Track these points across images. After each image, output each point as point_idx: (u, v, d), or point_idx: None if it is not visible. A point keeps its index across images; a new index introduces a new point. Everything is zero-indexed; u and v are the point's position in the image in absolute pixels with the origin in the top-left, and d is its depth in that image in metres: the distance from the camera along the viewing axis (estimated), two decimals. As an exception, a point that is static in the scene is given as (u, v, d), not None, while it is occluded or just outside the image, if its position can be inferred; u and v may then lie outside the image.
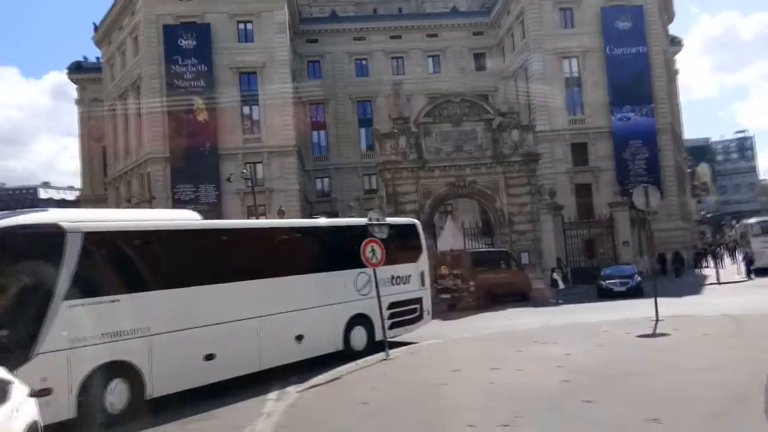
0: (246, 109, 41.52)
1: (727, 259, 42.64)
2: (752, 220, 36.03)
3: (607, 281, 24.36)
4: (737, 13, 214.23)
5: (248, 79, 41.56)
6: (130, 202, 38.69)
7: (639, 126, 42.51)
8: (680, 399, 7.31)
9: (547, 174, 42.39)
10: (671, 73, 50.54)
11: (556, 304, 22.77)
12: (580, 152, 43.13)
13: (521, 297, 24.06)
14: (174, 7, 40.61)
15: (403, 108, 30.27)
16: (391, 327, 12.80)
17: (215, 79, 40.16)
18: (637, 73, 42.65)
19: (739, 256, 35.86)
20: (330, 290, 12.08)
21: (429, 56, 51.52)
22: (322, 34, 50.55)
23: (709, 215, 76.14)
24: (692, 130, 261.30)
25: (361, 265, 11.88)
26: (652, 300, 22.50)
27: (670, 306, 20.03)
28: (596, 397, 7.58)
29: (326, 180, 49.76)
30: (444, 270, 22.94)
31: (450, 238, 29.95)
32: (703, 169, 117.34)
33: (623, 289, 23.67)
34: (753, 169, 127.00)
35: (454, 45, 51.08)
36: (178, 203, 38.61)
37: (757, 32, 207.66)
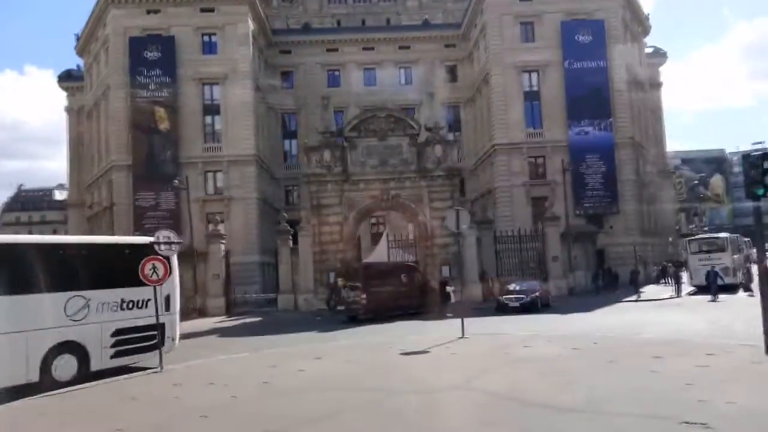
0: (208, 119, 42.98)
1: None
2: (692, 238, 35.79)
3: (504, 296, 24.81)
4: None
5: (211, 89, 43.05)
6: (91, 209, 40.44)
7: (597, 140, 42.50)
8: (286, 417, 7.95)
9: (503, 187, 42.95)
10: (642, 86, 50.14)
11: (445, 317, 23.29)
12: (536, 165, 43.36)
13: (418, 310, 24.54)
14: (141, 20, 42.36)
15: (329, 122, 31.13)
16: (117, 355, 12.30)
17: (178, 89, 41.72)
18: (597, 87, 42.69)
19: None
20: (20, 315, 11.00)
21: (401, 68, 52.32)
22: (295, 45, 51.82)
23: (706, 228, 74.64)
24: (723, 139, 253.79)
25: (78, 288, 11.65)
26: (540, 315, 23.24)
27: (535, 322, 20.52)
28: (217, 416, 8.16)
29: (296, 188, 50.87)
30: (341, 282, 23.65)
31: (383, 251, 30.77)
32: (717, 181, 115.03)
33: (517, 304, 24.10)
34: None
35: (426, 57, 51.76)
36: (138, 210, 40.39)
37: None
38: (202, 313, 30.39)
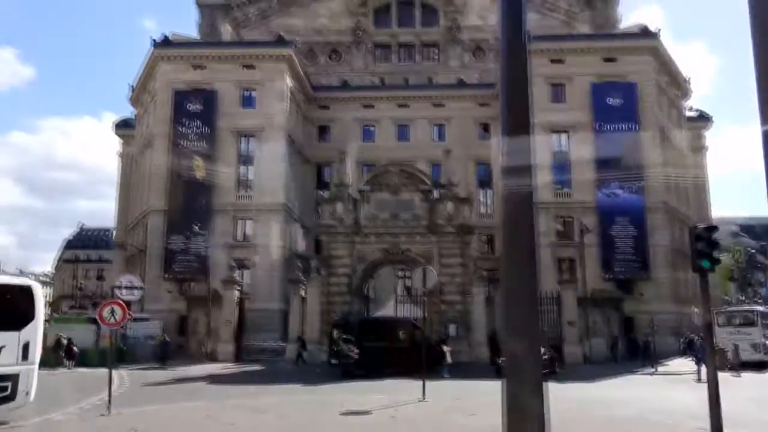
0: (242, 169, 44.89)
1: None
2: (720, 310, 33.69)
3: (504, 360, 23.97)
4: None
5: (247, 141, 45.16)
6: (127, 250, 42.46)
7: (627, 203, 41.46)
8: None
9: (528, 246, 42.15)
10: (680, 151, 48.81)
11: (442, 378, 22.78)
12: (564, 226, 42.50)
13: (414, 369, 24.03)
14: (187, 74, 45.35)
15: (343, 175, 31.91)
16: None
17: (216, 140, 43.98)
18: (628, 149, 41.95)
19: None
20: None
21: (434, 125, 53.30)
22: (333, 101, 53.90)
23: (760, 300, 69.86)
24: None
25: None
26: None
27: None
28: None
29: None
30: (336, 335, 23.66)
31: (391, 305, 30.68)
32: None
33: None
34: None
35: (460, 115, 52.57)
36: (169, 253, 42.08)
37: None
38: (212, 357, 30.88)
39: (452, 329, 28.44)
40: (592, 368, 26.95)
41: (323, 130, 53.66)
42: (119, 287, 13.22)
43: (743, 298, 62.15)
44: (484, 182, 51.00)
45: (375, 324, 25.08)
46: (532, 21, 55.67)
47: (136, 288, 13.51)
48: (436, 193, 31.07)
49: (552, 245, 41.93)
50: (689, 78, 52.23)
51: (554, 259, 41.47)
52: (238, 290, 33.32)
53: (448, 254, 29.83)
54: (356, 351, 22.81)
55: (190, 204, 42.79)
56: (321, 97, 53.81)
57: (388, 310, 29.58)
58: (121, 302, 12.95)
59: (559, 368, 26.01)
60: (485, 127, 52.88)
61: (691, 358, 31.85)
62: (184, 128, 44.03)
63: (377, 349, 23.31)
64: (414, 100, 53.38)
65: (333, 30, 60.34)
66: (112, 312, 12.65)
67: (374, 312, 31.04)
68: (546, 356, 24.34)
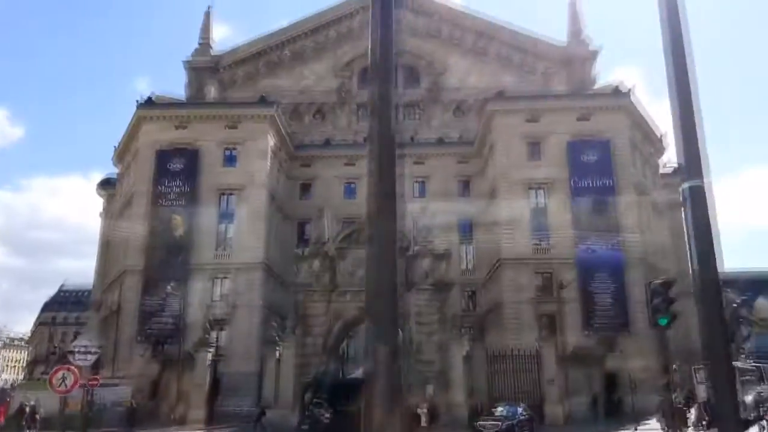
0: (222, 227, 44.78)
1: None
2: (698, 366, 33.21)
3: (479, 422, 23.39)
4: None
5: (227, 198, 45.27)
6: (100, 311, 41.57)
7: (605, 258, 41.63)
8: None
9: (510, 302, 41.98)
10: (656, 205, 49.60)
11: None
12: (543, 281, 42.44)
13: None
14: (170, 134, 45.92)
15: (321, 232, 31.88)
16: None
17: (197, 198, 44.05)
18: (604, 205, 42.62)
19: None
20: None
21: (415, 181, 53.90)
22: (316, 159, 54.60)
23: (743, 355, 69.26)
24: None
25: None
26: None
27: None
28: None
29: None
30: (307, 398, 22.99)
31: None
32: (762, 304, 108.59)
33: (493, 431, 22.62)
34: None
35: (440, 172, 53.36)
36: (144, 314, 41.25)
37: None
38: (181, 423, 29.72)
39: (429, 389, 27.73)
40: (573, 428, 26.25)
41: (305, 188, 54.06)
42: (72, 352, 12.83)
43: (743, 353, 61.45)
44: (465, 238, 51.18)
45: (348, 386, 24.40)
46: (510, 83, 57.78)
47: (90, 352, 13.10)
48: (413, 249, 31.03)
49: (532, 301, 41.73)
50: (663, 134, 53.70)
51: (535, 315, 41.12)
52: (211, 352, 32.44)
53: (425, 311, 29.53)
54: (327, 415, 22.08)
55: (168, 263, 42.34)
56: (304, 155, 54.54)
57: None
58: (73, 367, 12.53)
59: (537, 429, 25.40)
60: (465, 184, 53.66)
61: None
62: (164, 187, 44.16)
63: (350, 413, 22.53)
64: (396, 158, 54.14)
65: (318, 91, 61.90)
66: (63, 378, 12.23)
67: (351, 373, 30.26)
68: (524, 416, 23.83)
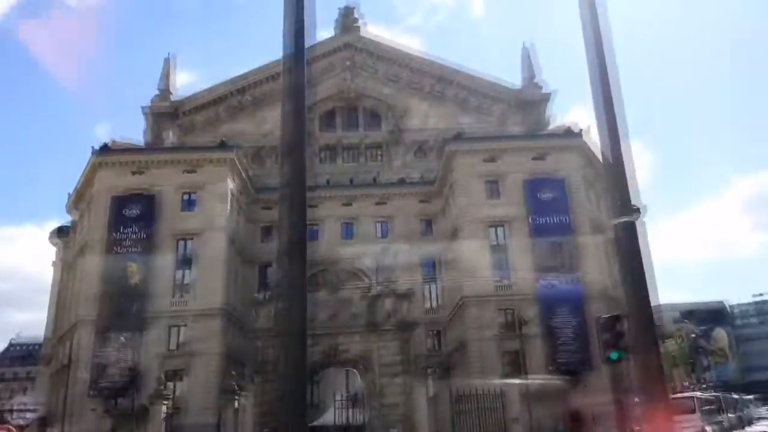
0: (179, 273, 43.66)
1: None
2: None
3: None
4: None
5: (185, 243, 44.36)
6: (49, 366, 39.60)
7: (566, 293, 42.14)
8: None
9: (473, 340, 41.84)
10: (612, 240, 50.80)
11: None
12: (506, 318, 42.56)
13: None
14: (126, 180, 45.11)
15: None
16: None
17: (154, 244, 43.02)
18: (562, 241, 43.45)
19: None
20: None
21: (378, 222, 54.09)
22: (276, 202, 54.27)
23: (704, 385, 70.43)
24: (729, 291, 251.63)
25: None
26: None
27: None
28: None
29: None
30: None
31: (331, 412, 29.18)
32: (720, 334, 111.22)
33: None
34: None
35: (403, 212, 53.73)
36: (97, 367, 39.44)
37: None
38: (134, 481, 28.11)
39: (394, 434, 27.11)
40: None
41: (267, 231, 53.49)
42: (11, 410, 12.06)
43: (688, 384, 62.59)
44: (429, 277, 51.22)
45: (308, 433, 23.60)
46: (468, 124, 59.39)
47: (30, 410, 12.34)
48: (375, 290, 30.83)
49: (495, 338, 41.67)
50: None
51: (499, 353, 41.00)
52: (167, 404, 31.10)
53: (388, 353, 29.15)
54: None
55: (122, 312, 40.88)
56: (265, 199, 54.18)
57: (329, 417, 28.06)
58: (11, 427, 11.79)
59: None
60: (428, 223, 54.11)
61: None
62: (119, 234, 43.09)
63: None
64: (358, 198, 54.49)
65: (278, 134, 62.10)
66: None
67: (315, 420, 29.37)
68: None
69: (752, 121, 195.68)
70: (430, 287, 51.23)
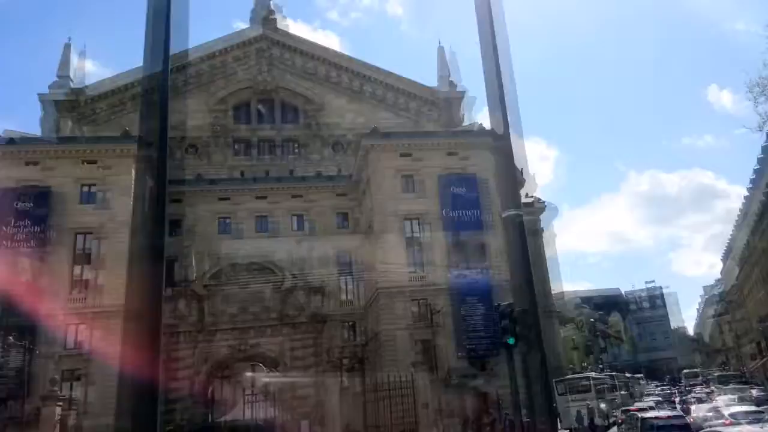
0: (77, 269, 41.10)
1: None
2: (559, 379, 35.96)
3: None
4: (659, 171, 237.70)
5: (84, 239, 41.78)
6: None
7: (475, 283, 43.73)
8: None
9: (388, 330, 42.48)
10: (520, 233, 53.36)
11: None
12: (420, 309, 43.59)
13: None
14: (19, 172, 41.79)
15: (188, 271, 30.47)
16: None
17: (49, 239, 40.20)
18: (473, 234, 45.05)
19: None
20: None
21: (294, 216, 53.51)
22: (187, 195, 52.29)
23: (601, 366, 75.73)
24: (629, 279, 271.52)
25: None
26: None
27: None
28: None
29: (178, 340, 48.11)
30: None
31: (240, 407, 28.59)
32: (615, 319, 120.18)
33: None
34: (665, 318, 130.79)
35: (319, 206, 53.48)
36: (-17, 369, 36.33)
37: (680, 187, 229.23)
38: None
39: (304, 426, 27.05)
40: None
41: (175, 224, 51.41)
42: None
43: (586, 365, 67.05)
44: (345, 270, 51.38)
45: (217, 429, 23.11)
46: (385, 120, 60.00)
47: None
48: (288, 284, 30.54)
49: (408, 328, 42.53)
50: (522, 169, 58.34)
51: (412, 342, 41.89)
52: (60, 406, 29.23)
53: (300, 346, 29.03)
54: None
55: (11, 312, 37.84)
56: (174, 191, 52.02)
57: (237, 413, 27.53)
58: None
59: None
60: (344, 217, 54.24)
61: None
62: (10, 228, 39.84)
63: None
64: (273, 192, 53.60)
65: (191, 126, 59.91)
66: None
67: (222, 416, 28.71)
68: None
69: (647, 122, 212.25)
70: (345, 280, 51.40)
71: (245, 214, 52.23)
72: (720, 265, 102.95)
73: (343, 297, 50.33)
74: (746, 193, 68.52)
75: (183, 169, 56.89)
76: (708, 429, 14.58)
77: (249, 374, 33.01)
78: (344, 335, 49.20)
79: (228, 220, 51.83)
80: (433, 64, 67.23)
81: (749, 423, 14.96)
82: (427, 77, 67.40)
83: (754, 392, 39.68)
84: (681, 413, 23.14)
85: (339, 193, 54.72)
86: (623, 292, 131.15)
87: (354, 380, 30.85)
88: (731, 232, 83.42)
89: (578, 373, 44.71)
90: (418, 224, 46.44)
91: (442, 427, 30.44)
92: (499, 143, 6.31)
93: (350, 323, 49.61)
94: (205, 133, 60.06)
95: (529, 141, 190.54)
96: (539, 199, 66.60)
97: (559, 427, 32.70)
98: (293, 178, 56.52)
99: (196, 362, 27.71)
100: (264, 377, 31.74)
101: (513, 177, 6.16)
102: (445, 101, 64.62)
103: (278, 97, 63.34)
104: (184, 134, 59.48)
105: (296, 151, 62.20)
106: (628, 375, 59.17)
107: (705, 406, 27.45)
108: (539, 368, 5.55)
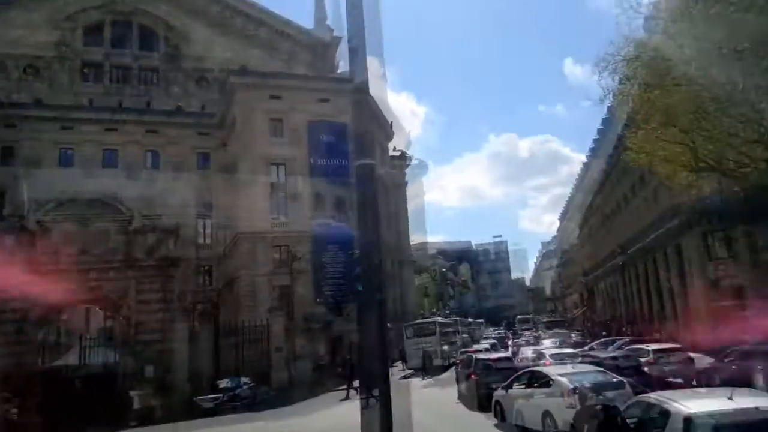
0: None
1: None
2: (407, 324, 38.57)
3: (199, 398, 23.11)
4: (515, 134, 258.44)
5: None
6: None
7: (337, 232, 44.45)
8: None
9: (246, 275, 41.98)
10: (385, 185, 54.93)
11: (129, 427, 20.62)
12: (281, 255, 43.50)
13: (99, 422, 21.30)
14: None
15: (18, 205, 27.40)
16: None
17: None
18: (339, 183, 45.35)
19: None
20: None
21: (148, 151, 49.91)
22: (23, 120, 46.33)
23: (448, 311, 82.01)
24: (482, 232, 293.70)
25: None
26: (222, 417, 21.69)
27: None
28: None
29: None
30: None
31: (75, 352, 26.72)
32: (464, 269, 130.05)
33: (211, 405, 22.55)
34: (508, 270, 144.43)
35: (177, 143, 50.26)
36: None
37: (532, 152, 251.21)
38: None
39: (149, 371, 26.14)
40: (295, 390, 27.63)
41: (7, 152, 45.54)
42: None
43: (435, 310, 72.29)
44: (204, 212, 49.45)
45: (47, 376, 21.53)
46: (257, 58, 57.14)
47: None
48: (138, 224, 28.65)
49: (267, 274, 42.37)
50: (391, 122, 59.61)
51: (270, 288, 41.85)
52: None
53: (147, 290, 27.61)
54: (15, 410, 19.15)
55: None
56: (5, 114, 45.75)
57: (72, 358, 25.79)
58: None
59: (264, 394, 26.12)
60: (205, 157, 51.67)
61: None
62: None
63: (46, 407, 19.94)
64: (126, 125, 49.29)
65: (31, 43, 52.41)
66: None
67: (55, 361, 26.74)
68: (247, 386, 24.21)
69: (509, 89, 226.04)
70: (204, 223, 49.60)
71: (92, 146, 47.72)
72: (558, 224, 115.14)
73: (201, 241, 48.67)
74: (585, 160, 76.44)
75: (19, 92, 50.14)
76: (532, 367, 16.52)
77: (86, 318, 30.90)
78: (200, 280, 47.90)
79: (70, 152, 47.00)
80: (312, 6, 65.09)
81: (564, 363, 17.12)
82: (307, 20, 64.76)
83: (573, 336, 45.57)
84: (509, 355, 25.76)
85: (201, 132, 51.82)
86: (474, 245, 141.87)
87: (207, 326, 30.21)
88: (569, 195, 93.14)
89: (427, 318, 47.91)
90: (285, 170, 45.70)
91: (294, 369, 31.16)
92: (357, 92, 6.32)
93: (206, 268, 48.31)
94: (48, 52, 53.03)
95: (400, 96, 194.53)
96: (406, 153, 68.79)
97: (404, 367, 35.26)
98: (150, 111, 52.21)
99: (24, 305, 25.24)
100: (104, 321, 29.95)
101: (366, 125, 6.21)
102: (322, 46, 63.05)
103: (137, 19, 57.46)
104: (23, 51, 52.10)
105: (155, 82, 57.36)
106: (470, 320, 64.74)
107: (531, 348, 30.42)
108: (377, 313, 5.85)
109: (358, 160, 5.49)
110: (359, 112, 5.87)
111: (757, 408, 6.32)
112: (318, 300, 41.68)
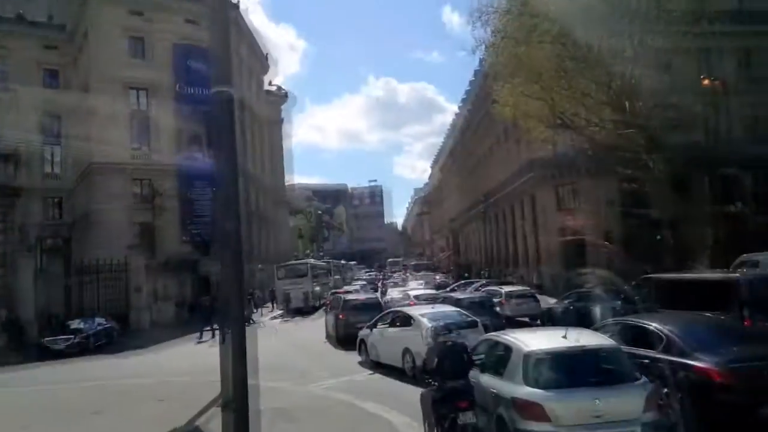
0: None
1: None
2: (279, 265, 38.55)
3: (47, 339, 21.39)
4: (394, 79, 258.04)
5: None
6: None
7: (207, 167, 42.13)
8: None
9: (100, 210, 38.62)
10: (260, 120, 52.91)
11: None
12: (142, 189, 40.52)
13: None
14: None
15: None
16: None
17: None
18: (207, 114, 42.59)
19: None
20: None
21: (-19, 64, 42.97)
22: None
23: (322, 253, 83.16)
24: (356, 176, 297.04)
25: None
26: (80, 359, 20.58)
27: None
28: None
29: None
30: None
31: None
32: (340, 211, 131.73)
33: (62, 347, 20.99)
34: (381, 214, 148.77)
35: (18, 56, 43.76)
36: None
37: (409, 98, 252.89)
38: None
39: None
40: (156, 331, 26.57)
41: None
42: None
43: (309, 252, 72.79)
44: (51, 138, 44.24)
45: None
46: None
47: None
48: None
49: (126, 209, 39.26)
50: (267, 54, 56.72)
51: (130, 224, 38.92)
52: None
53: (-20, 221, 24.37)
54: None
55: None
56: None
57: None
58: None
59: (120, 336, 24.86)
60: (53, 74, 45.75)
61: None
62: None
63: None
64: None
65: None
66: None
67: None
68: (103, 327, 22.87)
69: (389, 32, 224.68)
70: (52, 150, 44.48)
71: None
72: (430, 171, 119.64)
73: (48, 169, 43.82)
74: (458, 110, 79.30)
75: None
76: (396, 308, 17.27)
77: None
78: (48, 213, 43.43)
79: None
80: None
81: (426, 304, 18.04)
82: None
83: (438, 278, 48.11)
84: (376, 296, 26.64)
85: (48, 45, 45.58)
86: (350, 188, 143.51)
87: (56, 262, 27.63)
88: (442, 143, 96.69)
89: (300, 259, 48.01)
90: (146, 96, 41.89)
91: (156, 310, 29.82)
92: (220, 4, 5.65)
93: (56, 199, 43.88)
94: None
95: (278, 27, 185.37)
96: (281, 88, 66.36)
97: (274, 308, 35.32)
98: (-17, 17, 44.62)
99: None
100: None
101: (228, 47, 5.63)
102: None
103: None
104: None
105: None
106: (343, 262, 66.03)
107: (398, 289, 31.74)
108: (233, 249, 5.48)
109: (217, 86, 4.99)
110: (221, 30, 5.28)
111: (583, 346, 7.29)
112: (184, 238, 39.78)
